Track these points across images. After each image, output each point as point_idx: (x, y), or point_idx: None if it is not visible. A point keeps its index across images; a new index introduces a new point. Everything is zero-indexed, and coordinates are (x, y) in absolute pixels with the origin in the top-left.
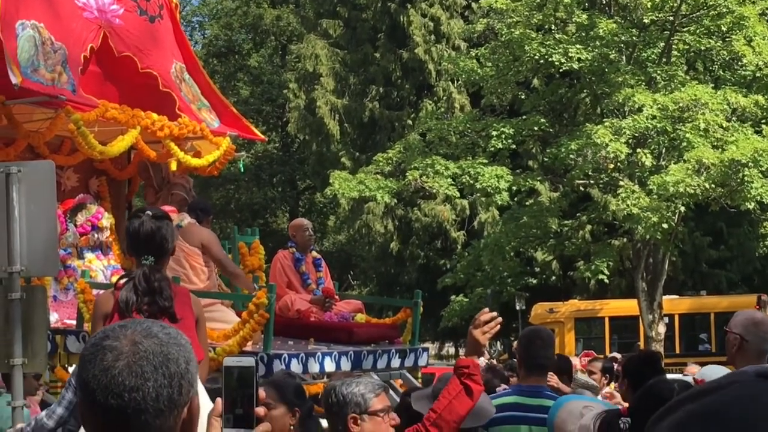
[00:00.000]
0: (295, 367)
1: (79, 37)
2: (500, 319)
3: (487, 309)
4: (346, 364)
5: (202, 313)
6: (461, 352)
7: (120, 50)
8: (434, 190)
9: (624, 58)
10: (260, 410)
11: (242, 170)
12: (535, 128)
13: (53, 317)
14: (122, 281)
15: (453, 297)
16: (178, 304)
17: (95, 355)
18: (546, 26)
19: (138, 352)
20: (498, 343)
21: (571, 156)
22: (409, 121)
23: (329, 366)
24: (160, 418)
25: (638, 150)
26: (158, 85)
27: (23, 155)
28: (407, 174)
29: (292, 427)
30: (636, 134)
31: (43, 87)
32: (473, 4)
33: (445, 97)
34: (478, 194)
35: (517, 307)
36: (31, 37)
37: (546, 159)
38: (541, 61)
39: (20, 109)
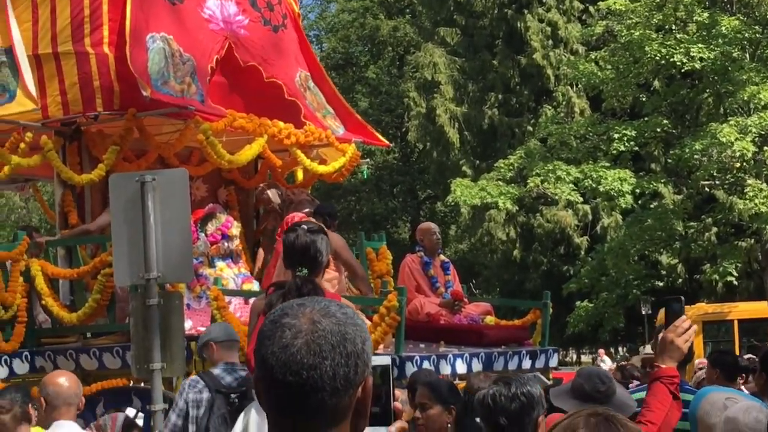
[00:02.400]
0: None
1: (206, 48)
2: (695, 326)
3: (684, 316)
4: (477, 366)
5: None
6: (584, 358)
7: (245, 60)
8: (556, 196)
9: (747, 55)
10: (398, 405)
11: (365, 176)
12: (658, 130)
13: (187, 324)
14: (273, 288)
15: (578, 303)
16: None
17: (274, 332)
18: (666, 26)
19: (317, 331)
20: (621, 348)
21: (695, 157)
22: (529, 127)
23: (461, 368)
24: (336, 397)
25: (765, 148)
26: (283, 94)
27: (154, 166)
28: (528, 180)
29: (449, 425)
30: (762, 132)
31: (172, 98)
32: (590, 7)
33: (564, 102)
34: (601, 198)
35: (643, 312)
36: (161, 49)
37: (669, 161)
38: (662, 62)
39: (150, 121)
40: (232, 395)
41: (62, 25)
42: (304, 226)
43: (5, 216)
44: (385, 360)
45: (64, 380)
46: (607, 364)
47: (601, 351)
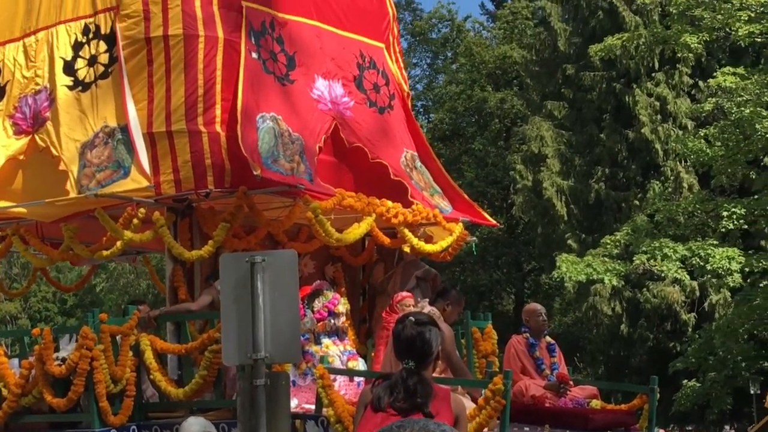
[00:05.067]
0: None
1: (314, 128)
2: None
3: None
4: None
5: (462, 413)
6: None
7: (351, 141)
8: (663, 274)
9: None
10: None
11: (474, 252)
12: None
13: (293, 402)
14: (380, 379)
15: (684, 381)
16: (435, 402)
17: None
18: None
19: None
20: (729, 428)
21: None
22: (636, 202)
23: None
24: None
25: None
26: (389, 174)
27: (263, 243)
28: (635, 257)
29: None
30: None
31: (282, 177)
32: (700, 83)
33: (672, 177)
34: (709, 276)
35: (751, 391)
36: (271, 129)
37: None
38: None
39: (260, 198)
40: None
41: (176, 104)
42: (412, 318)
43: (114, 281)
44: None
45: None
46: None
47: None
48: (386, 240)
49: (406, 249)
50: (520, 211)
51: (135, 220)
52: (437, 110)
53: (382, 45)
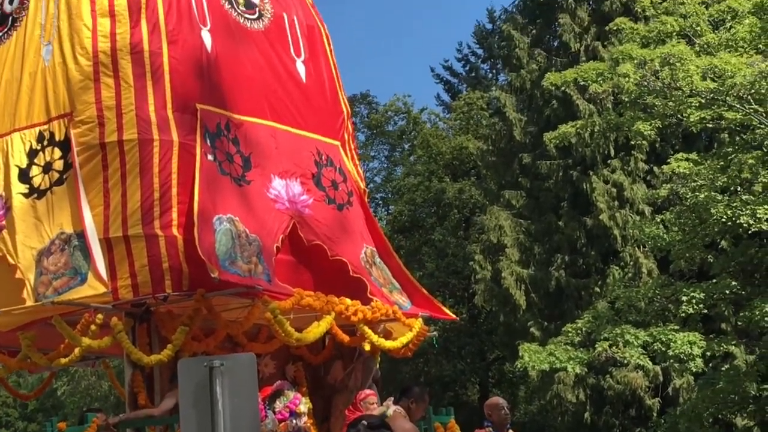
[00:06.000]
0: None
1: (272, 228)
2: None
3: None
4: None
5: None
6: None
7: (309, 239)
8: (625, 360)
9: None
10: None
11: (436, 345)
12: (727, 291)
13: None
14: None
15: None
16: None
17: None
18: (731, 188)
19: None
20: None
21: (766, 318)
22: (597, 288)
23: None
24: None
25: None
26: (348, 271)
27: (223, 344)
28: (597, 344)
29: None
30: None
31: (240, 278)
32: (655, 169)
33: (631, 263)
34: (672, 361)
35: None
36: (228, 230)
37: (740, 322)
38: (729, 224)
39: (218, 300)
40: None
41: (132, 208)
42: (365, 421)
43: (75, 384)
44: None
45: None
46: None
47: None
48: (346, 338)
49: (367, 347)
50: (481, 300)
51: (93, 327)
52: (396, 202)
53: (337, 143)
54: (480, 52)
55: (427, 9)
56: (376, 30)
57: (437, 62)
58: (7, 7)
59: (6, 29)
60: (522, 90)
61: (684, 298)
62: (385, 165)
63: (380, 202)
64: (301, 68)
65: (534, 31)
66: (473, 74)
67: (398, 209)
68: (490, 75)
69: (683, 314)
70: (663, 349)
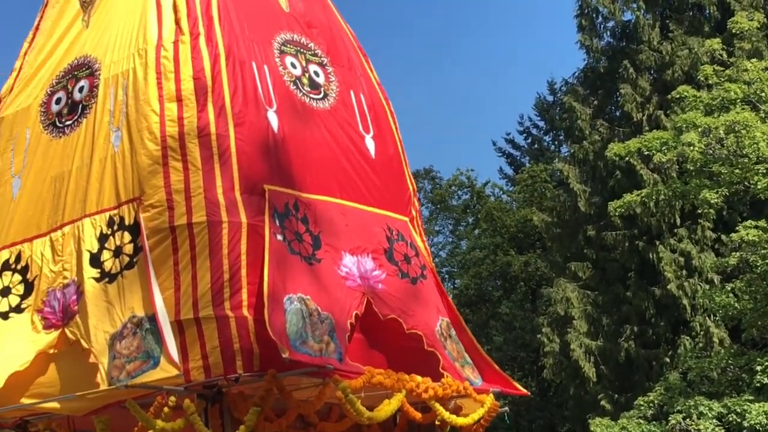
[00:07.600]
0: None
1: (344, 305)
2: None
3: None
4: None
5: None
6: None
7: (384, 314)
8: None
9: None
10: None
11: (507, 421)
12: None
13: None
14: None
15: None
16: None
17: None
18: None
19: None
20: None
21: None
22: (667, 359)
23: None
24: None
25: None
26: (423, 345)
27: (294, 424)
28: (670, 417)
29: None
30: None
31: (311, 358)
32: (723, 237)
33: (702, 332)
34: None
35: None
36: (299, 310)
37: None
38: None
39: (289, 379)
40: None
41: (203, 290)
42: None
43: None
44: None
45: None
46: None
47: None
48: (418, 415)
49: (438, 423)
50: (550, 373)
51: (166, 409)
52: (462, 276)
53: (406, 219)
54: (542, 124)
55: (487, 82)
56: (438, 105)
57: (499, 135)
58: (77, 96)
59: (76, 117)
60: (585, 161)
61: (758, 368)
62: (450, 239)
63: (446, 276)
64: (370, 144)
65: (595, 102)
66: (536, 146)
67: (464, 283)
68: (553, 147)
69: (758, 384)
70: (738, 420)
